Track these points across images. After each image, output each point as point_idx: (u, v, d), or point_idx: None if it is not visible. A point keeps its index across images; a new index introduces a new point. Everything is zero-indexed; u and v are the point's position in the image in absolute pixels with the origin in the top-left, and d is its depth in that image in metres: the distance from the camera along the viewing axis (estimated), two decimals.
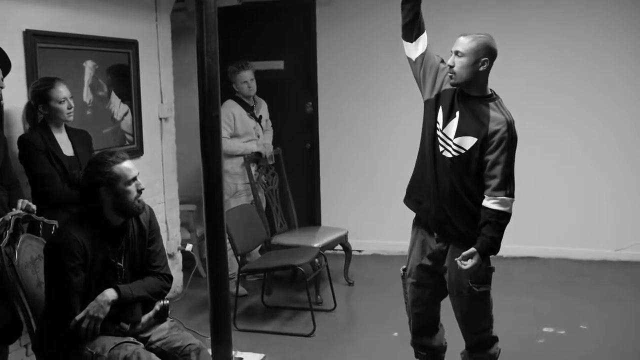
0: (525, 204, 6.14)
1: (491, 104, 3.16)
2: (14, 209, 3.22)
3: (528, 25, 6.07)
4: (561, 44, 6.08)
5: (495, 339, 3.39)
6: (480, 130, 3.11)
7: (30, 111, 3.75)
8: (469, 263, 3.09)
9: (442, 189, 3.22)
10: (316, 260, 5.07)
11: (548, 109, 6.13)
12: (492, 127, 3.10)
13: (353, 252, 5.87)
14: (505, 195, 3.09)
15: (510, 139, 3.11)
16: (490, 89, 3.24)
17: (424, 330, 3.51)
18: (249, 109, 5.64)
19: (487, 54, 3.11)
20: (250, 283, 5.68)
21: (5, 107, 3.70)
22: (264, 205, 5.68)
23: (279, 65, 6.81)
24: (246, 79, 5.55)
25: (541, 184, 6.18)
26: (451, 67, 3.13)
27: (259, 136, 5.70)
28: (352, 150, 6.69)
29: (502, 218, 3.11)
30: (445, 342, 3.59)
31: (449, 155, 3.18)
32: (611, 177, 6.11)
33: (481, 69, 3.11)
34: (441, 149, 3.20)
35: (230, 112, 5.48)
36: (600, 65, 6.02)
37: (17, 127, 3.81)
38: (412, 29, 3.28)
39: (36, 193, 3.63)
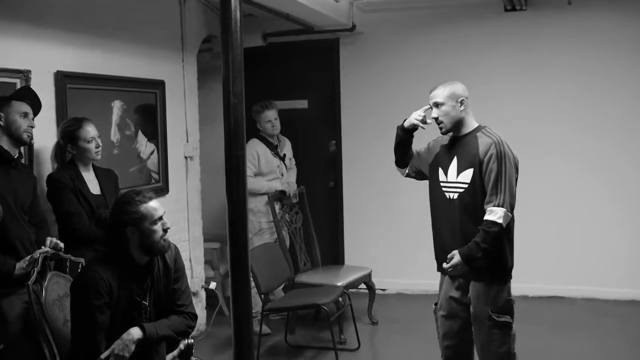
0: (552, 244, 6.13)
1: (478, 134, 3.42)
2: (42, 247, 3.27)
3: (543, 65, 6.10)
4: (579, 83, 6.08)
5: None
6: (474, 160, 3.36)
7: (59, 150, 3.82)
8: (451, 262, 3.33)
9: (456, 233, 3.41)
10: (340, 299, 5.04)
11: (571, 149, 6.10)
12: (482, 150, 3.35)
13: (377, 291, 5.83)
14: (495, 206, 3.28)
15: (498, 154, 3.31)
16: (477, 123, 3.49)
17: None
18: (273, 148, 5.68)
19: (462, 94, 3.41)
20: (273, 322, 5.66)
21: (36, 146, 3.78)
22: (287, 243, 5.68)
23: (303, 104, 6.88)
24: (270, 118, 5.61)
25: (568, 224, 6.12)
26: (436, 118, 3.42)
27: (282, 174, 5.74)
28: (376, 188, 6.69)
29: (491, 226, 3.28)
30: None
31: (456, 195, 3.41)
32: (638, 216, 6.04)
33: (461, 109, 3.40)
34: (450, 195, 3.44)
35: (255, 151, 5.53)
36: (617, 103, 6.01)
37: (47, 166, 3.88)
38: (405, 163, 3.74)
39: (63, 231, 3.68)
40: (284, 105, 6.32)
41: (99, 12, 4.34)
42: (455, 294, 3.50)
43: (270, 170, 5.63)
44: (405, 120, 3.59)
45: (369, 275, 5.68)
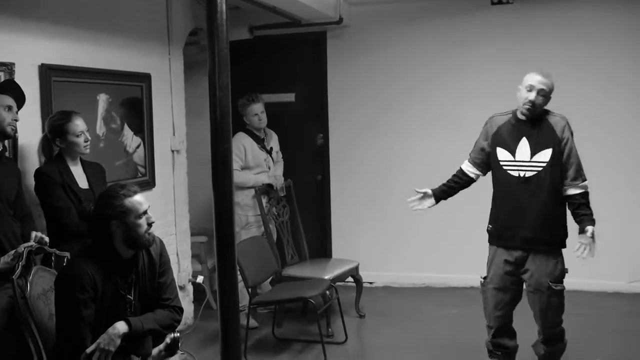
0: None
1: (546, 116, 3.74)
2: (27, 241, 3.24)
3: (530, 58, 6.09)
4: (566, 75, 6.07)
5: (564, 331, 3.94)
6: (553, 140, 3.68)
7: (46, 144, 3.78)
8: (589, 247, 3.62)
9: (529, 209, 3.70)
10: (327, 292, 5.05)
11: None
12: (559, 131, 3.68)
13: (364, 284, 5.84)
14: (582, 181, 3.71)
15: (571, 134, 3.71)
16: None
17: (505, 331, 3.94)
18: (260, 141, 5.67)
19: (554, 87, 3.75)
20: (261, 315, 5.67)
21: (20, 140, 3.74)
22: (274, 237, 5.68)
23: (290, 97, 6.87)
24: (257, 112, 5.59)
25: None
26: (532, 101, 3.67)
27: (269, 168, 5.73)
28: (363, 182, 6.70)
29: (586, 197, 3.71)
30: (517, 344, 3.99)
31: (532, 174, 3.69)
32: (624, 209, 6.08)
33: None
34: (523, 174, 3.72)
35: (241, 145, 5.51)
36: (606, 95, 6.06)
37: (31, 160, 3.85)
38: (471, 181, 4.04)
39: (52, 225, 3.65)
40: (271, 99, 6.31)
41: (85, 5, 4.31)
42: (509, 267, 3.80)
43: (257, 163, 5.62)
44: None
45: (356, 269, 5.69)
